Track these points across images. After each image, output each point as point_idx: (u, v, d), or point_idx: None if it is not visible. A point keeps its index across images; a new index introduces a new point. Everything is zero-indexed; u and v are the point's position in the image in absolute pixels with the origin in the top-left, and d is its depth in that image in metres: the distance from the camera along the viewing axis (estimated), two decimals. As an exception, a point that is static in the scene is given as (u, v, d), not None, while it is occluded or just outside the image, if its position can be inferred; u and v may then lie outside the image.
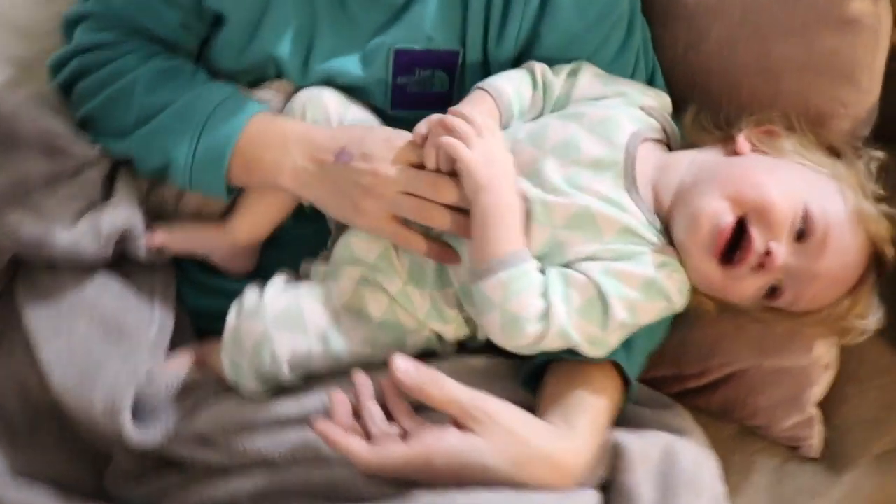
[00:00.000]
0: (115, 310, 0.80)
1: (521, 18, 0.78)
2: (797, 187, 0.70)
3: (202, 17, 0.80)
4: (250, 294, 0.76)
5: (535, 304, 0.68)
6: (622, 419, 0.76)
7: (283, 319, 0.74)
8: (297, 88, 0.81)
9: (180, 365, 0.81)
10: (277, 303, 0.75)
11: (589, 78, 0.78)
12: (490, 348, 0.79)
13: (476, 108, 0.74)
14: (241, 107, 0.78)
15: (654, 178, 0.74)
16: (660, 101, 0.79)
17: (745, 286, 0.71)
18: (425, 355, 0.76)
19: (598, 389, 0.73)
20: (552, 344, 0.69)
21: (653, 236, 0.72)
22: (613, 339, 0.71)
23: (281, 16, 0.78)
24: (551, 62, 0.78)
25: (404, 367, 0.67)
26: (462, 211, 0.73)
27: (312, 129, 0.77)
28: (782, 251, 0.68)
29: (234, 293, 0.78)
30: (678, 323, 0.80)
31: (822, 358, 0.83)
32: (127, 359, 0.77)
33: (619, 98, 0.77)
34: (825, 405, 0.85)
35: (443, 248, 0.75)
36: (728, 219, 0.68)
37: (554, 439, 0.69)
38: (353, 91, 0.81)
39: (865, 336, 0.75)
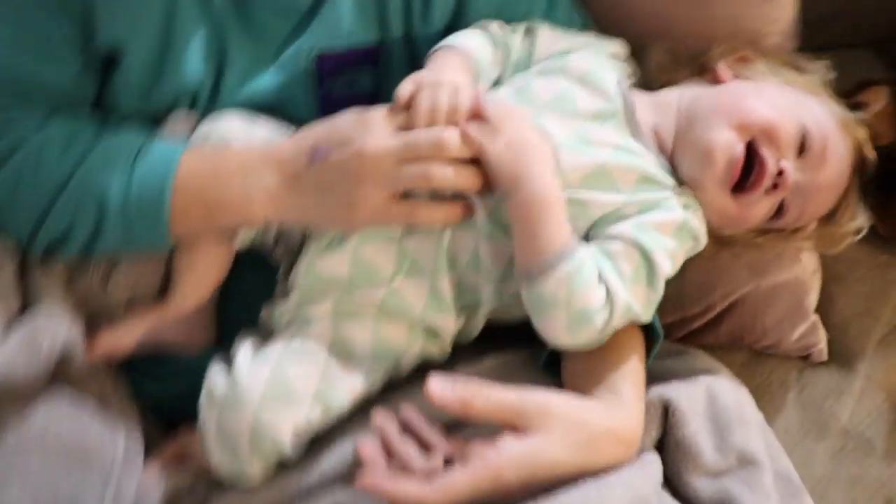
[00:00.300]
0: (71, 430, 0.68)
1: None
2: (789, 105, 0.71)
3: (96, 58, 0.69)
4: (217, 377, 0.67)
5: (598, 294, 0.64)
6: (648, 376, 0.73)
7: (272, 397, 0.65)
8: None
9: (162, 471, 0.71)
10: (257, 379, 0.65)
11: (548, 34, 0.75)
12: (478, 343, 0.74)
13: (447, 67, 0.69)
14: (164, 149, 0.68)
15: (652, 121, 0.72)
16: (622, 48, 0.78)
17: (757, 210, 0.70)
18: (420, 370, 0.70)
19: (627, 351, 0.70)
20: (617, 326, 0.66)
21: (667, 178, 0.70)
22: (660, 295, 0.68)
23: (186, 40, 0.70)
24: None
25: (442, 387, 0.60)
26: (469, 162, 0.65)
27: (270, 146, 0.68)
28: (792, 168, 0.69)
29: (191, 368, 0.69)
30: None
31: (809, 264, 0.84)
32: (105, 483, 0.66)
33: (587, 49, 0.75)
34: (819, 310, 0.87)
35: (461, 204, 0.67)
36: (740, 147, 0.68)
37: (609, 413, 0.65)
38: (274, 109, 0.73)
39: (856, 239, 0.77)
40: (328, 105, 0.74)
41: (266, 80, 0.72)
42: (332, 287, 0.69)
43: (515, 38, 0.75)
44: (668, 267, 0.67)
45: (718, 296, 0.83)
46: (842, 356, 0.86)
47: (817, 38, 0.86)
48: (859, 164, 0.75)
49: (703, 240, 0.70)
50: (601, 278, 0.64)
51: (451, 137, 0.64)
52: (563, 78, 0.72)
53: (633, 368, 0.69)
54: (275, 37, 0.73)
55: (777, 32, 0.82)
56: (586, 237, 0.68)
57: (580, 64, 0.73)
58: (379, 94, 0.76)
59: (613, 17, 0.81)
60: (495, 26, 0.74)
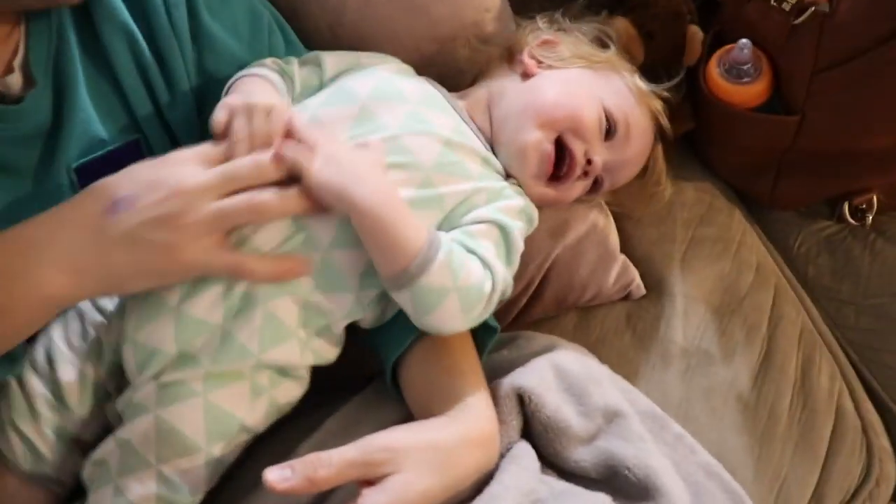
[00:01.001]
0: None
1: (185, 65, 0.70)
2: (593, 92, 0.76)
3: None
4: None
5: (476, 265, 0.65)
6: (493, 371, 0.74)
7: None
8: None
9: None
10: None
11: (332, 57, 0.75)
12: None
13: (257, 89, 0.67)
14: None
15: (469, 114, 0.75)
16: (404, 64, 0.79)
17: (573, 192, 0.77)
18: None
19: (459, 353, 0.70)
20: (497, 298, 0.67)
21: (499, 166, 0.73)
22: (515, 271, 0.70)
23: None
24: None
25: (280, 476, 0.57)
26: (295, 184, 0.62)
27: (55, 208, 0.60)
28: (600, 156, 0.75)
29: None
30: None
31: (598, 209, 0.87)
32: None
33: (379, 63, 0.76)
34: (622, 250, 0.90)
35: (294, 259, 0.63)
36: (549, 146, 0.73)
37: (456, 423, 0.64)
38: None
39: (667, 194, 0.87)
40: None
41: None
42: (157, 361, 0.63)
43: (293, 67, 0.74)
44: (522, 245, 0.70)
45: (533, 268, 0.84)
46: (657, 285, 0.90)
47: (529, 7, 0.90)
48: (658, 133, 0.82)
49: (536, 223, 0.74)
50: (471, 252, 0.65)
51: (266, 159, 0.61)
52: (374, 74, 0.72)
53: (469, 368, 0.69)
54: (27, 168, 0.66)
55: (493, 18, 0.85)
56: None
57: (386, 65, 0.74)
58: None
59: (337, 46, 0.80)
60: (269, 61, 0.72)
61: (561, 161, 0.74)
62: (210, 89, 0.72)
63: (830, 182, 0.92)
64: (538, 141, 0.73)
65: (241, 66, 0.72)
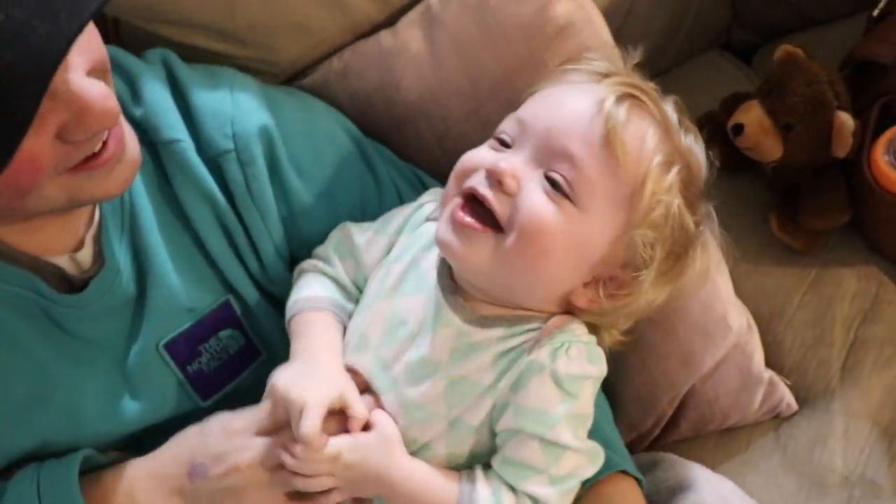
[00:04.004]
0: None
1: (268, 233, 0.69)
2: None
3: None
4: None
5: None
6: None
7: None
8: None
9: None
10: None
11: (367, 254, 0.68)
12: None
13: (318, 337, 0.64)
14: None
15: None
16: (436, 195, 0.69)
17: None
18: None
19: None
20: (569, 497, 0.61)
21: (526, 330, 0.60)
22: (585, 447, 0.61)
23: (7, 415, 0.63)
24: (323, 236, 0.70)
25: None
26: None
27: (155, 459, 0.65)
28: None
29: None
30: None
31: (742, 324, 0.77)
32: None
33: (407, 224, 0.68)
34: (769, 360, 0.80)
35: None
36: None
37: None
38: (157, 429, 0.67)
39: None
40: (206, 386, 0.70)
41: (125, 410, 0.67)
42: None
43: (339, 270, 0.69)
44: (568, 437, 0.59)
45: (665, 403, 0.77)
46: (811, 398, 0.80)
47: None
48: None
49: (601, 367, 0.61)
50: (516, 490, 0.60)
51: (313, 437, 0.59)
52: (388, 297, 0.65)
53: None
54: (111, 351, 0.66)
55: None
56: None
57: (403, 258, 0.66)
58: (255, 349, 0.72)
59: (446, 152, 0.76)
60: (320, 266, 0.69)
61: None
62: (300, 247, 0.71)
63: None
64: None
65: (329, 226, 0.70)
